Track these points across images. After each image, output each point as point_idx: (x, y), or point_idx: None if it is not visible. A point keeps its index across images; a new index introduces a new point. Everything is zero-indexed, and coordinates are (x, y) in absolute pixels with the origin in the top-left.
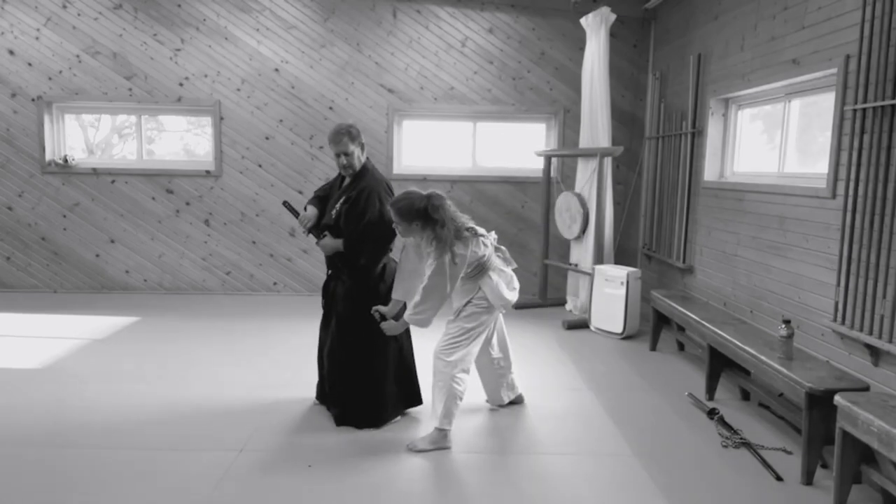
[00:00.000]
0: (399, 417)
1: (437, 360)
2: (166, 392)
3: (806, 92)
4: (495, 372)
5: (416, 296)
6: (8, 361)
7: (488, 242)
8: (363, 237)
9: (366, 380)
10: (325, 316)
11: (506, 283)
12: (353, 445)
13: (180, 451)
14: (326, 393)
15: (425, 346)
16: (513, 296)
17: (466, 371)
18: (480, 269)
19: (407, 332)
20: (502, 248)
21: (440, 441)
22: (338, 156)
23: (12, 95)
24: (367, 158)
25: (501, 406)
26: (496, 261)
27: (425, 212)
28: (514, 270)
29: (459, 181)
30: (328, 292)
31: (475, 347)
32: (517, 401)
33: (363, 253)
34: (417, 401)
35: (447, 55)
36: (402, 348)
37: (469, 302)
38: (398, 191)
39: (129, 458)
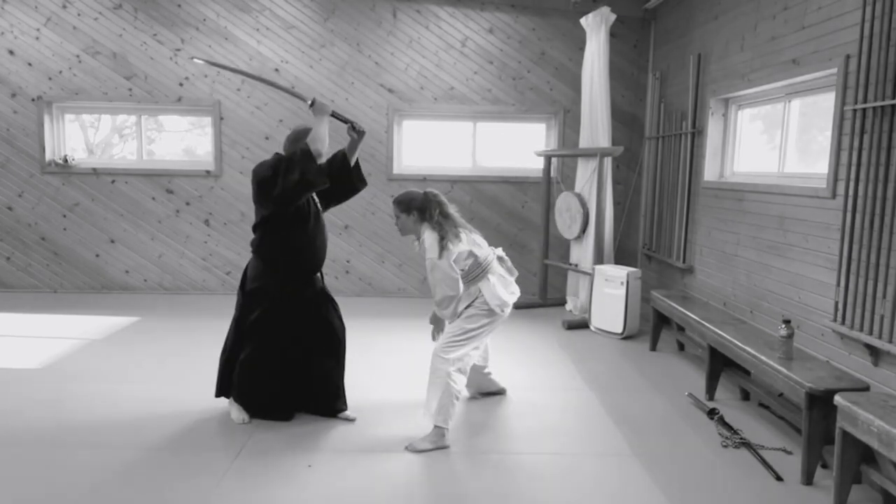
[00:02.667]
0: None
1: (435, 357)
2: (166, 392)
3: (806, 92)
4: (480, 375)
5: (434, 295)
6: (8, 361)
7: (482, 244)
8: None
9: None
10: (298, 325)
11: (504, 287)
12: (353, 445)
13: (180, 450)
14: (314, 395)
15: (423, 346)
16: (510, 298)
17: (464, 372)
18: (481, 273)
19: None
20: (506, 258)
21: (438, 440)
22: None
23: (12, 95)
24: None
25: (482, 394)
26: (497, 267)
27: (422, 204)
28: (513, 271)
29: (459, 181)
30: (307, 301)
31: (474, 351)
32: (499, 392)
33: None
34: (329, 412)
35: (447, 55)
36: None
37: (470, 305)
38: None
39: (128, 458)
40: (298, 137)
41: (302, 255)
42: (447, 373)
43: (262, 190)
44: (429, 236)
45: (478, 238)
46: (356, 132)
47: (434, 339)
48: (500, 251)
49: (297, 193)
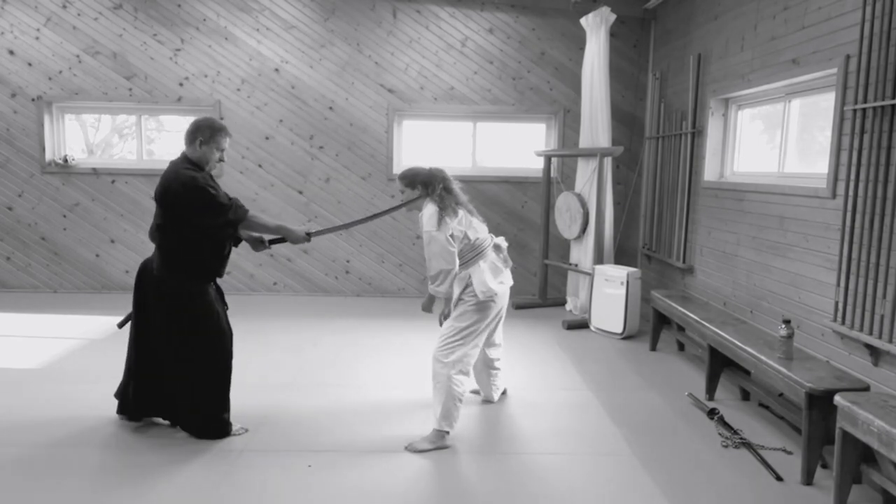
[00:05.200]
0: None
1: (435, 362)
2: None
3: (806, 92)
4: (489, 372)
5: (430, 269)
6: (8, 361)
7: (479, 228)
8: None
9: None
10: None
11: (493, 275)
12: (353, 445)
13: (180, 451)
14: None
15: (422, 346)
16: (499, 288)
17: (465, 373)
18: (474, 257)
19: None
20: (504, 248)
21: (439, 441)
22: (223, 150)
23: (12, 95)
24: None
25: (491, 402)
26: (492, 254)
27: (426, 179)
28: (513, 270)
29: (459, 181)
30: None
31: (473, 349)
32: (503, 392)
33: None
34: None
35: (447, 55)
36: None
37: (461, 297)
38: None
39: (129, 459)
40: (201, 128)
41: (216, 264)
42: (448, 376)
43: (175, 205)
44: (428, 209)
45: (476, 221)
46: (264, 245)
47: (441, 324)
48: (500, 240)
49: (214, 229)
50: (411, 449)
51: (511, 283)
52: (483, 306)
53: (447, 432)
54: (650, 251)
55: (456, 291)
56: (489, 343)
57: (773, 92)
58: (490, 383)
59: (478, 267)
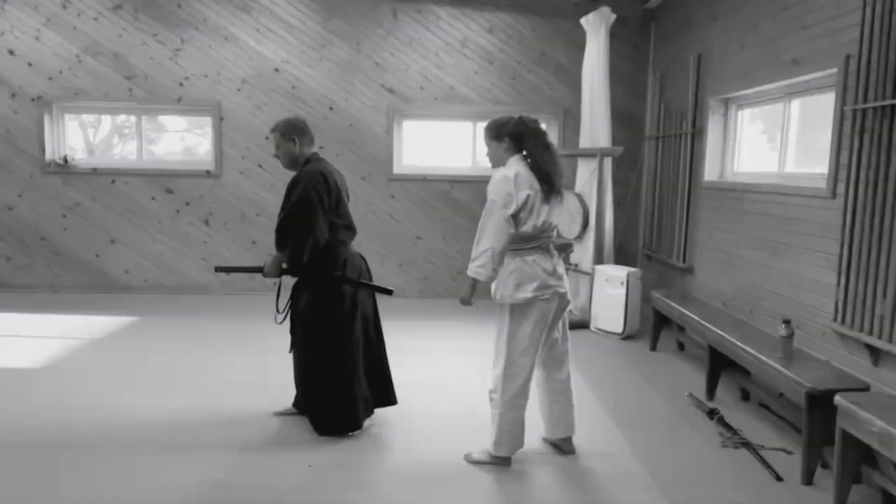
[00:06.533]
0: (370, 419)
1: (490, 379)
2: (166, 392)
3: (806, 92)
4: (549, 399)
5: (478, 242)
6: (8, 361)
7: (555, 214)
8: (285, 223)
9: (334, 381)
10: (293, 324)
11: (527, 278)
12: (353, 446)
13: (180, 451)
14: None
15: (422, 346)
16: (521, 294)
17: (518, 391)
18: (525, 247)
19: (377, 326)
20: (570, 248)
21: (495, 461)
22: (277, 147)
23: (12, 95)
24: (315, 152)
25: (548, 441)
26: (545, 253)
27: (515, 129)
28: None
29: (459, 181)
30: (293, 299)
31: (521, 358)
32: (564, 447)
33: (287, 240)
34: (391, 401)
35: (447, 55)
36: (370, 345)
37: (494, 294)
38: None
39: (129, 459)
40: (288, 128)
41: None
42: (494, 397)
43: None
44: (500, 173)
45: (556, 202)
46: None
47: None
48: (572, 240)
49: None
50: (469, 459)
51: (564, 289)
52: (510, 311)
53: (505, 458)
54: (650, 251)
55: (495, 282)
56: (546, 362)
57: (773, 92)
58: (550, 414)
59: (521, 259)
